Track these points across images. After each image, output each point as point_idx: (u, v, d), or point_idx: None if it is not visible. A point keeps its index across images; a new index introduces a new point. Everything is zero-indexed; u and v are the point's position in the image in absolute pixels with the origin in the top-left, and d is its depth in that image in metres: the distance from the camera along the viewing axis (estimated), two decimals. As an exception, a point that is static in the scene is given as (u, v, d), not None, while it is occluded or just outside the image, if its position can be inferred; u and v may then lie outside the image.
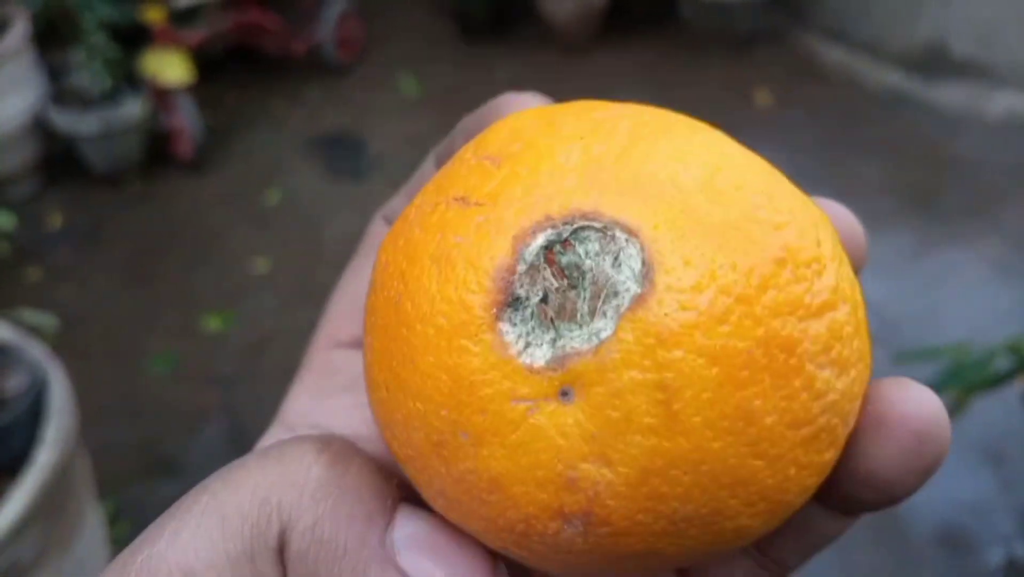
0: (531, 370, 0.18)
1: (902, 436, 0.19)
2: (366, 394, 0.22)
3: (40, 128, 2.12)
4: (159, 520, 0.20)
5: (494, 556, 0.21)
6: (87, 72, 2.07)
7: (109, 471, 1.38)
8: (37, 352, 1.06)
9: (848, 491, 0.20)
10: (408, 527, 0.20)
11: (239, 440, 1.52)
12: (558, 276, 0.18)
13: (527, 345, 0.18)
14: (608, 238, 0.18)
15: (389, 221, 0.28)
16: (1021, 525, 1.34)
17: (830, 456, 0.19)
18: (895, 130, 2.31)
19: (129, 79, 2.14)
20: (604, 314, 0.18)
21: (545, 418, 0.18)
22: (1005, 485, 1.40)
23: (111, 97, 2.11)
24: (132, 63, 2.13)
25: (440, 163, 0.27)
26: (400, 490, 0.22)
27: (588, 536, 0.18)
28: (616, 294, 0.18)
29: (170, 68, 2.09)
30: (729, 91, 2.50)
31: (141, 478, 1.46)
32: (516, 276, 0.18)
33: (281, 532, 0.20)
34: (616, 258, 0.18)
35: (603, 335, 0.17)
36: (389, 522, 0.21)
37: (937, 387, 1.14)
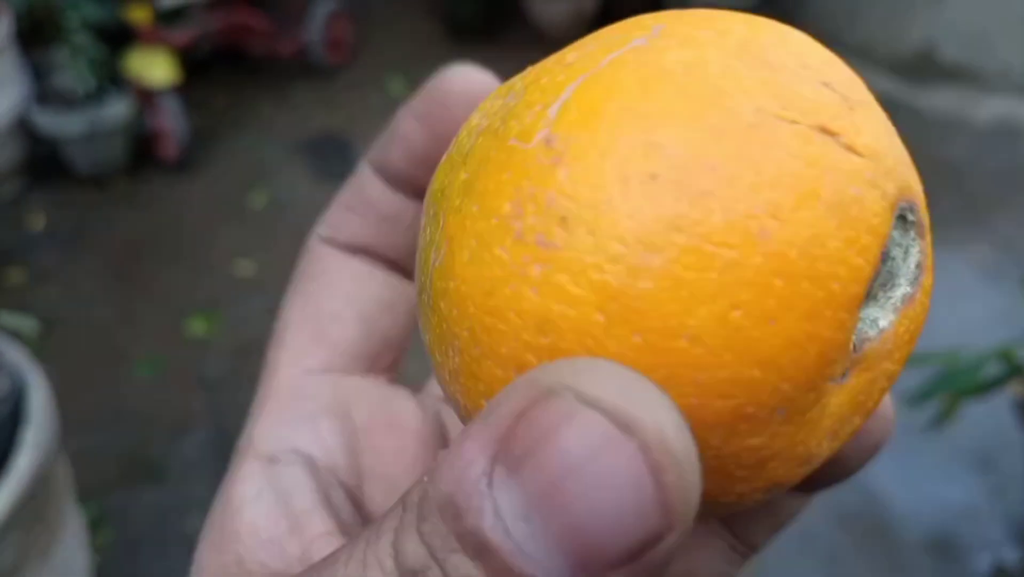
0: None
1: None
2: None
3: (23, 128, 2.09)
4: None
5: None
6: (71, 72, 2.05)
7: (92, 476, 1.36)
8: (17, 356, 1.04)
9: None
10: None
11: (224, 445, 1.50)
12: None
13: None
14: (908, 225, 0.17)
15: (328, 240, 0.26)
16: (1010, 531, 1.34)
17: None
18: (884, 135, 2.32)
19: (114, 79, 2.12)
20: (885, 302, 0.17)
21: (829, 397, 0.17)
22: (995, 491, 1.40)
23: (95, 98, 2.08)
24: (117, 63, 2.11)
25: (378, 169, 0.26)
26: None
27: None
28: (895, 286, 0.17)
29: (155, 69, 2.07)
30: (718, 95, 2.50)
31: (124, 484, 1.43)
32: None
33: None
34: (907, 250, 0.17)
35: (881, 324, 0.17)
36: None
37: (927, 393, 1.14)
